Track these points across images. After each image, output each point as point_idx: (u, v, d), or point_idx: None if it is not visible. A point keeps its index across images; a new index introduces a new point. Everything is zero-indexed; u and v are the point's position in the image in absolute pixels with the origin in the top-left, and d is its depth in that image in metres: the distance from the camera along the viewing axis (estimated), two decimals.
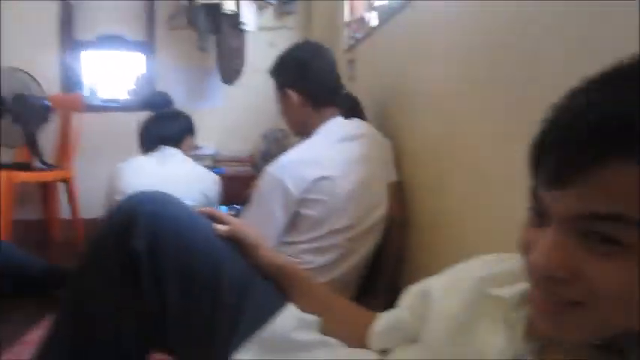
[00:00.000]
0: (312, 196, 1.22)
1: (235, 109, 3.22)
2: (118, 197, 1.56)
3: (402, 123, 1.56)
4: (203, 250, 0.72)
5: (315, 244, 1.24)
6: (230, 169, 2.93)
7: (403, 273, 1.46)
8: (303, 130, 1.43)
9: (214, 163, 2.96)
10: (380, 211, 1.35)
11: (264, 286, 0.78)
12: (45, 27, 3.08)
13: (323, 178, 1.22)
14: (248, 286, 0.73)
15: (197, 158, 2.86)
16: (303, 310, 0.77)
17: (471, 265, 0.64)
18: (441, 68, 1.24)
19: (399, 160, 1.50)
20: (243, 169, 2.97)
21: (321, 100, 1.38)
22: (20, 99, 2.52)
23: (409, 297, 0.71)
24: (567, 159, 0.39)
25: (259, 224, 1.22)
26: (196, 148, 2.01)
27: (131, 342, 0.71)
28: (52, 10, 3.07)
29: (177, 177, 1.62)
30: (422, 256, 1.35)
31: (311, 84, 1.37)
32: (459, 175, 1.14)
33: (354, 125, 1.38)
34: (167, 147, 1.73)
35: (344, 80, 2.13)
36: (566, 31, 0.72)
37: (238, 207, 2.52)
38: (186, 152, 1.82)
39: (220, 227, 0.77)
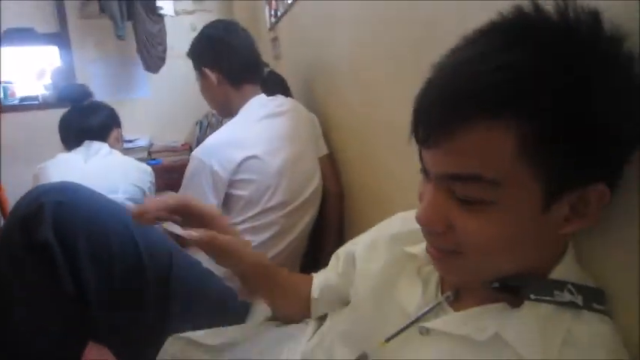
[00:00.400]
0: (241, 176, 1.21)
1: (165, 98, 3.11)
2: None
3: (327, 96, 1.57)
4: (118, 234, 0.71)
5: (250, 224, 1.24)
6: (166, 160, 2.85)
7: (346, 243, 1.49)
8: (226, 110, 1.41)
9: (149, 155, 2.86)
10: (313, 185, 1.36)
11: (185, 257, 0.78)
12: None
13: (250, 157, 1.21)
14: (171, 263, 0.73)
15: (130, 152, 2.75)
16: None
17: (390, 223, 0.67)
18: (353, 36, 1.26)
19: (327, 133, 1.51)
20: (180, 158, 2.90)
21: (239, 78, 1.36)
22: None
23: (337, 261, 0.73)
24: (434, 120, 0.42)
25: None
26: (124, 140, 1.92)
27: (58, 334, 0.69)
28: None
29: (105, 171, 1.55)
30: (361, 224, 1.39)
31: (226, 61, 1.35)
32: (381, 142, 1.17)
33: (277, 102, 1.37)
34: (92, 141, 1.65)
35: (269, 60, 2.11)
36: None
37: None
38: (114, 145, 1.74)
39: (192, 234, 0.63)
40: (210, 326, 0.67)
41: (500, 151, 0.39)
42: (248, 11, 2.87)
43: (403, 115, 1.03)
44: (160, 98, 3.12)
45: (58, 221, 0.67)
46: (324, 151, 1.48)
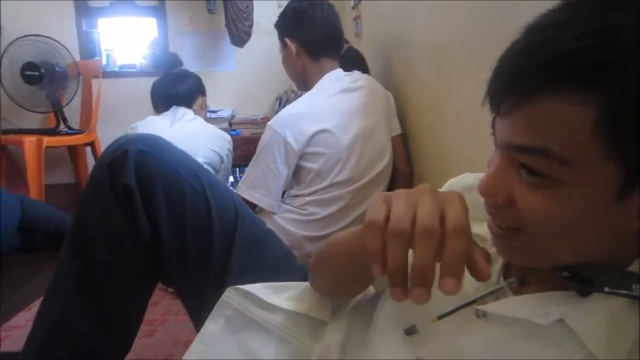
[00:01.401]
0: (312, 149, 1.23)
1: (248, 72, 3.20)
2: None
3: (404, 76, 1.53)
4: (192, 189, 0.75)
5: (318, 197, 1.25)
6: (246, 131, 2.94)
7: None
8: (303, 82, 1.42)
9: (230, 126, 2.97)
10: (383, 163, 1.34)
11: (251, 216, 0.81)
12: None
13: (322, 131, 1.22)
14: (237, 219, 0.77)
15: (213, 121, 2.87)
16: None
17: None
18: (434, 17, 1.22)
19: (402, 113, 1.48)
20: (258, 131, 2.97)
21: (317, 51, 1.36)
22: (48, 65, 2.56)
23: None
24: (505, 85, 0.39)
25: (263, 177, 1.24)
26: (208, 108, 2.01)
27: (134, 273, 0.75)
28: None
29: (188, 135, 1.64)
30: None
31: (308, 33, 1.36)
32: (454, 126, 1.13)
33: (353, 77, 1.36)
34: (179, 107, 1.74)
35: (351, 38, 2.09)
36: None
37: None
38: (198, 112, 1.82)
39: None
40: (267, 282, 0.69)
41: (573, 126, 0.35)
42: None
43: (479, 101, 0.99)
44: (243, 72, 3.21)
45: (140, 168, 0.72)
46: (398, 130, 1.45)
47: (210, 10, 2.75)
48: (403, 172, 1.43)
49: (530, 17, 0.42)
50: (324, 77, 1.33)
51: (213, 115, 2.90)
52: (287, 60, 1.42)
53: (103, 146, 2.94)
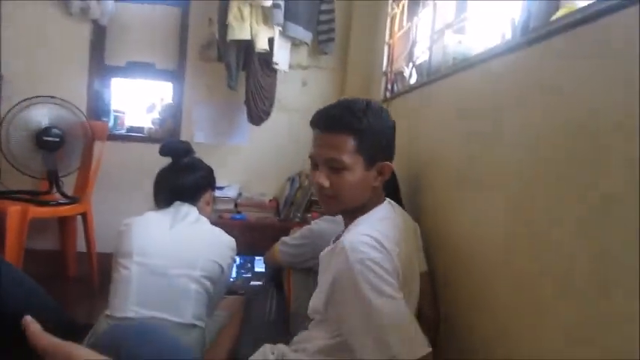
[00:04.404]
0: None
1: (261, 147, 3.19)
2: (123, 260, 1.50)
3: (430, 202, 1.47)
4: None
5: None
6: (251, 215, 2.88)
7: None
8: (360, 209, 1.22)
9: (235, 208, 2.91)
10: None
11: None
12: (75, 50, 3.10)
13: None
14: None
15: (219, 201, 2.82)
16: None
17: None
18: (468, 130, 1.16)
19: (427, 249, 1.40)
20: (265, 216, 2.92)
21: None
22: (64, 131, 2.55)
23: None
24: None
25: None
26: (214, 205, 1.94)
27: None
28: (84, 33, 3.10)
29: (188, 242, 1.54)
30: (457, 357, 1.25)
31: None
32: (491, 269, 1.04)
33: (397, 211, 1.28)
34: (182, 203, 1.66)
35: None
36: None
37: (249, 257, 2.45)
38: (203, 209, 1.74)
39: None
40: None
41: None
42: (361, 76, 2.89)
43: (524, 243, 0.90)
44: (256, 147, 3.20)
45: None
46: (424, 267, 1.36)
47: (230, 87, 2.75)
48: (428, 316, 1.33)
49: None
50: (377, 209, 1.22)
51: (219, 194, 2.85)
52: (364, 183, 1.19)
53: (96, 216, 2.88)
